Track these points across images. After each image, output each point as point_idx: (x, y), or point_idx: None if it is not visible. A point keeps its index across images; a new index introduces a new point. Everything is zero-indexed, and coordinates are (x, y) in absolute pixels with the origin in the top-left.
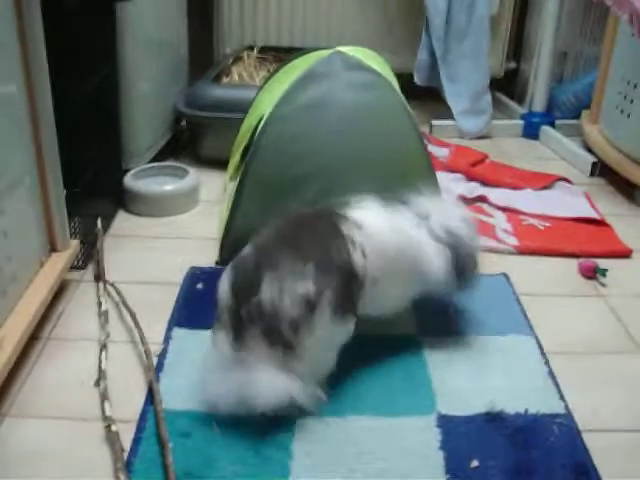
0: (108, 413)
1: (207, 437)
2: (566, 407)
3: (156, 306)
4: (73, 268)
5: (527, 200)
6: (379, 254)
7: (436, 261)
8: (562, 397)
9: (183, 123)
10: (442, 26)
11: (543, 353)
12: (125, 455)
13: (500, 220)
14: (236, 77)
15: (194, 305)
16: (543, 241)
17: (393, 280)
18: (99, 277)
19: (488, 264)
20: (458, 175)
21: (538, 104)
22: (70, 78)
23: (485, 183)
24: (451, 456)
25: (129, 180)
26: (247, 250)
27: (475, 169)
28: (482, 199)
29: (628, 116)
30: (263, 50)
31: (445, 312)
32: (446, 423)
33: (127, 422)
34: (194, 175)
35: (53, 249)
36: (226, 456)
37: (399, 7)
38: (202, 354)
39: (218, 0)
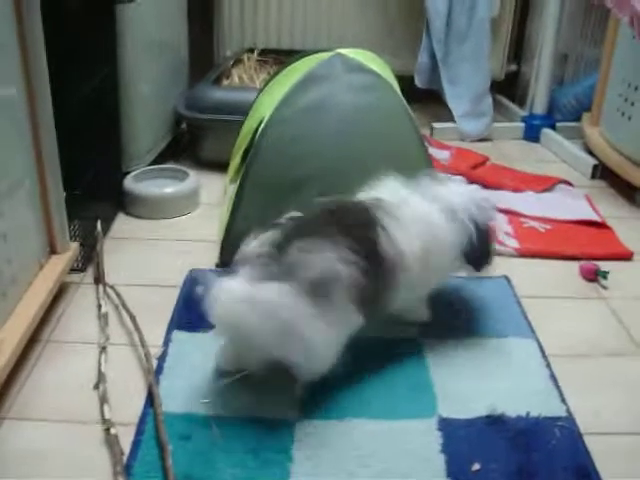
0: (107, 416)
1: (207, 440)
2: (567, 410)
3: (156, 309)
4: (73, 271)
5: (528, 203)
6: (410, 242)
7: (449, 241)
8: (563, 400)
9: (183, 125)
10: (443, 28)
11: (544, 356)
12: (124, 458)
13: (501, 223)
14: (236, 79)
15: (194, 308)
16: (544, 244)
17: (422, 266)
18: (99, 280)
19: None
20: (459, 178)
21: (539, 106)
22: (70, 80)
23: (486, 186)
24: (452, 459)
25: (129, 182)
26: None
27: (476, 172)
28: None
29: (629, 118)
30: (263, 53)
31: (446, 314)
32: (447, 426)
33: (127, 425)
34: (194, 178)
35: (53, 251)
36: (226, 459)
37: (399, 9)
38: (202, 357)
39: (218, 2)
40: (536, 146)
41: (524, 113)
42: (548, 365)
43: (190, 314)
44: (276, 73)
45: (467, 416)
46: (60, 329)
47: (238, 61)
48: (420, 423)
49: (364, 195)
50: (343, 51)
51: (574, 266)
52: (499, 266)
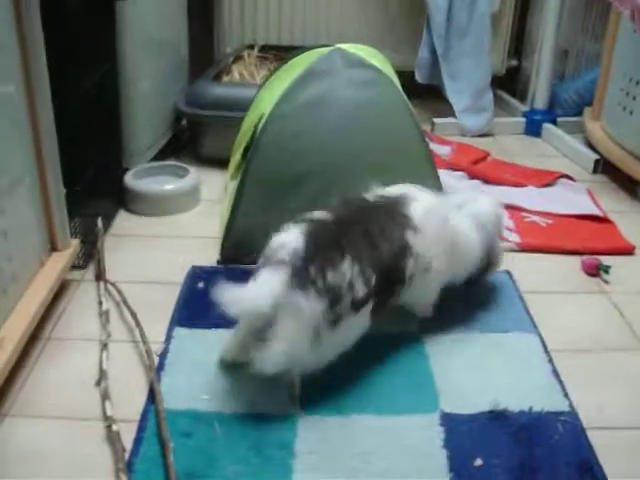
0: (109, 413)
1: (209, 437)
2: (570, 405)
3: (157, 306)
4: (74, 268)
5: (529, 197)
6: (431, 245)
7: (475, 249)
8: (566, 395)
9: (184, 122)
10: (443, 23)
11: (547, 350)
12: (126, 455)
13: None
14: (237, 76)
15: (195, 304)
16: (545, 238)
17: (441, 268)
18: (100, 277)
19: None
20: (460, 173)
21: (540, 101)
22: (70, 77)
23: (487, 181)
24: (454, 455)
25: (130, 179)
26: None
27: (477, 167)
28: None
29: (630, 113)
30: (263, 49)
31: (447, 309)
32: (449, 421)
33: (128, 422)
34: (195, 174)
35: (53, 249)
36: (228, 456)
37: (400, 4)
38: (203, 353)
39: None
40: (537, 141)
41: (525, 108)
42: (550, 360)
43: (191, 311)
44: (276, 69)
45: (469, 411)
46: (61, 326)
47: (238, 57)
48: (422, 418)
49: (393, 192)
50: (343, 46)
51: (576, 261)
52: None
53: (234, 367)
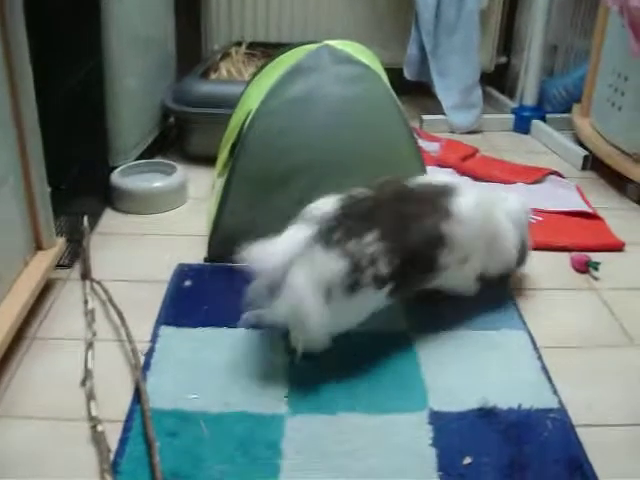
0: (94, 413)
1: (195, 436)
2: (559, 402)
3: (143, 304)
4: (59, 267)
5: (518, 194)
6: (473, 238)
7: (510, 242)
8: (555, 392)
9: (171, 119)
10: (432, 20)
11: (536, 347)
12: (111, 455)
13: None
14: (224, 73)
15: (182, 303)
16: (535, 235)
17: (477, 257)
18: (85, 275)
19: None
20: (449, 170)
21: (529, 98)
22: (55, 74)
23: (476, 177)
24: (443, 453)
25: (116, 177)
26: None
27: (466, 163)
28: None
29: (619, 109)
30: (251, 46)
31: (436, 307)
32: (438, 419)
33: (114, 422)
34: (182, 172)
35: (38, 248)
36: (214, 455)
37: (388, 1)
38: (190, 352)
39: None
40: (526, 137)
41: (514, 105)
42: (540, 357)
43: (178, 309)
44: (264, 65)
45: (458, 409)
46: (47, 326)
47: (226, 54)
48: (411, 417)
49: (439, 181)
50: (331, 43)
51: (565, 257)
52: None
53: (221, 366)
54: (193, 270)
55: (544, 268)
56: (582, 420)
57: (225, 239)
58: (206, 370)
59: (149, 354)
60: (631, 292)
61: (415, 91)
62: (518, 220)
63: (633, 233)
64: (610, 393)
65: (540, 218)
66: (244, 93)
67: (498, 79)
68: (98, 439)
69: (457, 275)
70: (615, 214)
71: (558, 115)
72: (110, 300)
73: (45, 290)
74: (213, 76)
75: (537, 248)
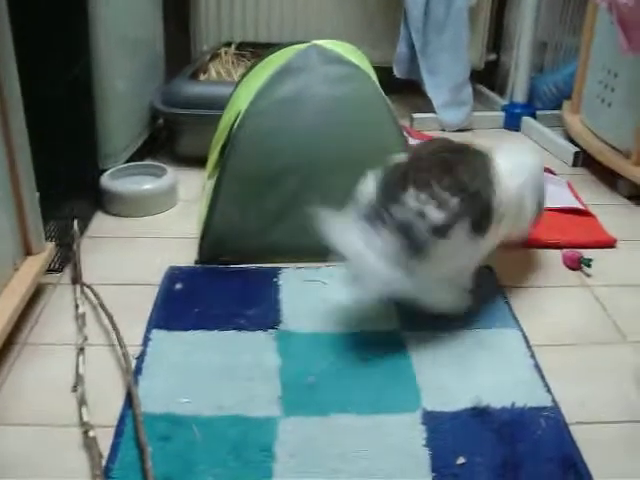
0: (85, 418)
1: (187, 440)
2: (553, 400)
3: (135, 308)
4: (49, 271)
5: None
6: (506, 195)
7: (529, 212)
8: (549, 390)
9: (160, 121)
10: (421, 18)
11: (529, 346)
12: (103, 461)
13: None
14: (214, 74)
15: (173, 306)
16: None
17: (508, 218)
18: (76, 280)
19: None
20: None
21: (519, 95)
22: (42, 78)
23: None
24: (437, 453)
25: (106, 180)
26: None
27: None
28: None
29: (609, 105)
30: (241, 46)
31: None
32: (431, 420)
33: (105, 427)
34: (172, 174)
35: (28, 253)
36: (207, 460)
37: (378, 0)
38: (181, 355)
39: None
40: (517, 135)
41: (504, 102)
42: (532, 355)
43: (169, 312)
44: (253, 66)
45: (451, 409)
46: (37, 331)
47: (215, 55)
48: (404, 417)
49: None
50: (320, 42)
51: (557, 254)
52: None
53: (213, 369)
54: (184, 273)
55: (536, 265)
56: (576, 418)
57: (216, 241)
58: (198, 373)
59: (140, 358)
60: (623, 289)
61: (405, 89)
62: (538, 185)
63: (624, 229)
64: (603, 390)
65: None
66: (233, 94)
67: (488, 76)
68: (90, 445)
69: (492, 236)
70: (606, 210)
71: (548, 112)
72: (101, 304)
73: (35, 295)
74: (202, 77)
75: (529, 245)
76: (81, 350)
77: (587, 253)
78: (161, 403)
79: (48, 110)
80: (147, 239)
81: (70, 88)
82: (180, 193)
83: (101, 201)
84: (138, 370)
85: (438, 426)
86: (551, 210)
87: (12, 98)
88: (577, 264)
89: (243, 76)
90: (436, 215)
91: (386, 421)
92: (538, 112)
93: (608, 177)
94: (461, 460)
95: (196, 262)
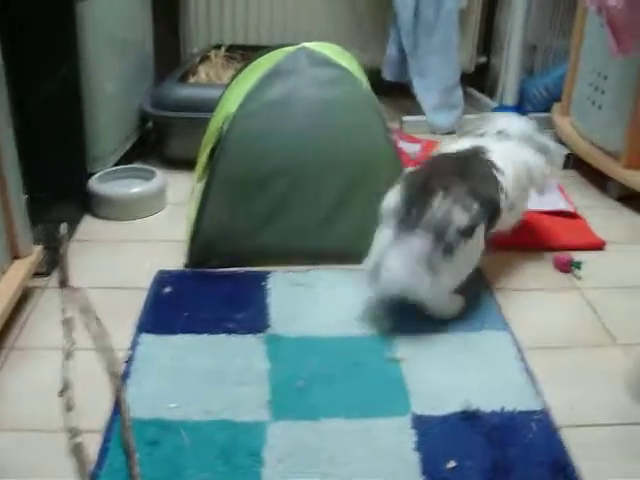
0: (73, 424)
1: (176, 445)
2: (543, 403)
3: (123, 311)
4: (37, 275)
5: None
6: (514, 186)
7: (539, 172)
8: (539, 393)
9: (150, 124)
10: (410, 20)
11: (519, 348)
12: (91, 467)
13: None
14: (203, 76)
15: (162, 310)
16: (517, 235)
17: (521, 201)
18: (64, 283)
19: None
20: None
21: (509, 98)
22: (30, 80)
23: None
24: (427, 457)
25: (94, 183)
26: (419, 170)
27: None
28: None
29: (599, 107)
30: (231, 49)
31: (417, 309)
32: (421, 424)
33: (93, 432)
34: (161, 177)
35: (15, 256)
36: (195, 464)
37: (367, 2)
38: (170, 359)
39: None
40: None
41: (495, 104)
42: (523, 358)
43: (157, 316)
44: (242, 68)
45: (441, 413)
46: (24, 335)
47: (205, 58)
48: (393, 421)
49: (464, 146)
50: (309, 45)
51: (548, 257)
52: None
53: (202, 373)
54: (173, 276)
55: (527, 268)
56: (566, 421)
57: (205, 244)
58: (187, 378)
59: (129, 362)
60: (613, 291)
61: (396, 92)
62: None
63: (614, 231)
64: (594, 393)
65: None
66: (223, 96)
67: (478, 79)
68: (77, 450)
69: (505, 220)
70: (596, 212)
71: (539, 114)
72: (89, 308)
73: (23, 299)
74: (192, 80)
75: (519, 248)
76: (69, 355)
77: (577, 255)
78: (149, 408)
79: (35, 112)
80: (136, 242)
81: (58, 90)
82: (169, 196)
83: (89, 204)
84: (126, 374)
85: (428, 430)
86: (541, 213)
87: None
88: (567, 267)
89: (232, 79)
90: (462, 217)
91: (376, 425)
92: (528, 114)
93: (598, 179)
94: (451, 464)
95: (185, 265)
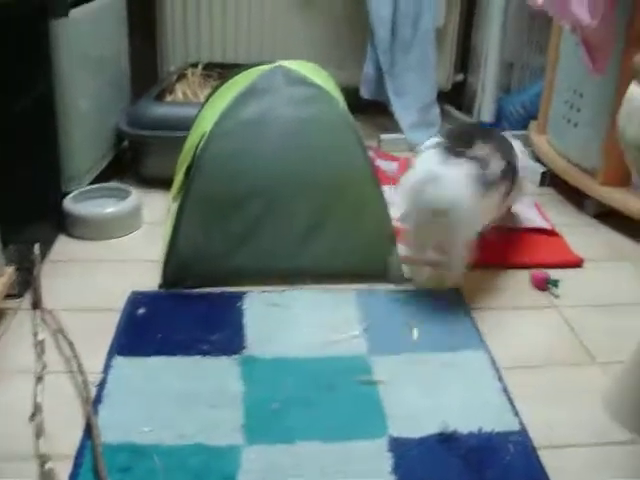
0: (43, 449)
1: (148, 470)
2: (521, 424)
3: (96, 334)
4: (9, 297)
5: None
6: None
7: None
8: (517, 414)
9: (125, 143)
10: (387, 38)
11: (496, 368)
12: None
13: None
14: (180, 95)
15: (135, 331)
16: (494, 253)
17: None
18: (36, 305)
19: (438, 279)
20: None
21: (486, 115)
22: (3, 98)
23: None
24: None
25: (68, 203)
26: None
27: None
28: None
29: (575, 125)
30: (208, 67)
31: (395, 329)
32: (398, 446)
33: (64, 458)
34: (136, 196)
35: None
36: None
37: (344, 21)
38: (143, 382)
39: (161, 16)
40: None
41: (472, 122)
42: (500, 378)
43: (131, 338)
44: (218, 86)
45: (418, 435)
46: None
47: (182, 76)
48: (370, 444)
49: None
50: (285, 63)
51: (525, 275)
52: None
53: (175, 395)
54: (147, 297)
55: (504, 286)
56: (544, 442)
57: (180, 264)
58: (160, 401)
59: (101, 386)
60: (591, 309)
61: (373, 110)
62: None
63: (591, 249)
64: (572, 413)
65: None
66: (199, 115)
67: (456, 97)
68: (47, 477)
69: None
70: (573, 230)
71: (516, 132)
72: (61, 330)
73: None
74: (168, 98)
75: (496, 266)
76: (40, 378)
77: (554, 273)
78: (121, 432)
79: (9, 131)
80: (110, 263)
81: (32, 108)
82: (145, 215)
83: (64, 224)
84: (98, 398)
85: (405, 452)
86: (518, 230)
87: None
88: (544, 285)
89: (209, 97)
90: (500, 163)
91: (352, 448)
92: (505, 132)
93: (575, 197)
94: None
95: (160, 286)
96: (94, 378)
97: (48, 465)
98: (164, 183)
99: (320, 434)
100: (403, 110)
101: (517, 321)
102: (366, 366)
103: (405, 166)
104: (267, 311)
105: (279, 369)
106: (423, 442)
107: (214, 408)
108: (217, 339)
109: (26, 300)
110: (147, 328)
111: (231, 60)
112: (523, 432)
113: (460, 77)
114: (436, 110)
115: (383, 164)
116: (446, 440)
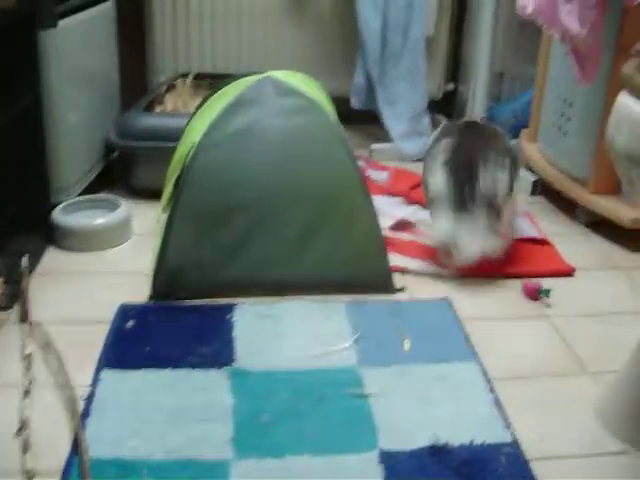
0: (29, 466)
1: None
2: (512, 435)
3: (85, 347)
4: None
5: None
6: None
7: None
8: (508, 425)
9: (115, 154)
10: (377, 48)
11: (488, 379)
12: None
13: None
14: (170, 105)
15: (124, 344)
16: (485, 263)
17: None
18: (24, 318)
19: (429, 289)
20: (398, 199)
21: None
22: None
23: (425, 206)
24: None
25: (57, 215)
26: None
27: (415, 192)
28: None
29: (565, 134)
30: (198, 77)
31: (385, 340)
32: (389, 459)
33: (51, 474)
34: (125, 207)
35: None
36: None
37: (335, 31)
38: (132, 396)
39: (150, 27)
40: None
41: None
42: (492, 389)
43: (119, 351)
44: (208, 97)
45: (409, 447)
46: None
47: (172, 86)
48: (360, 458)
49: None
50: (275, 74)
51: (517, 285)
52: (439, 288)
53: (163, 409)
54: (136, 310)
55: (495, 297)
56: (536, 453)
57: (169, 276)
58: (148, 415)
59: (89, 400)
60: (582, 318)
61: (364, 120)
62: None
63: (583, 258)
64: (563, 424)
65: None
66: (188, 125)
67: (446, 106)
68: None
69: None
70: (565, 239)
71: None
72: (49, 343)
73: None
74: (158, 109)
75: (488, 276)
76: (26, 393)
77: (546, 282)
78: (110, 447)
79: None
80: (100, 275)
81: (20, 120)
82: (135, 227)
83: (53, 236)
84: (86, 413)
85: (396, 465)
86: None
87: None
88: (536, 294)
89: (198, 108)
90: (503, 177)
91: (343, 461)
92: None
93: (566, 205)
94: None
95: (149, 298)
96: (82, 391)
97: None
98: (154, 194)
99: (310, 447)
100: (393, 120)
101: (509, 332)
102: (357, 378)
103: (396, 176)
104: (257, 323)
105: (269, 382)
106: (414, 455)
107: (203, 422)
108: (207, 352)
109: (14, 313)
110: (136, 341)
111: (221, 70)
112: (515, 444)
113: (451, 86)
114: (426, 119)
115: (374, 174)
116: (437, 453)
